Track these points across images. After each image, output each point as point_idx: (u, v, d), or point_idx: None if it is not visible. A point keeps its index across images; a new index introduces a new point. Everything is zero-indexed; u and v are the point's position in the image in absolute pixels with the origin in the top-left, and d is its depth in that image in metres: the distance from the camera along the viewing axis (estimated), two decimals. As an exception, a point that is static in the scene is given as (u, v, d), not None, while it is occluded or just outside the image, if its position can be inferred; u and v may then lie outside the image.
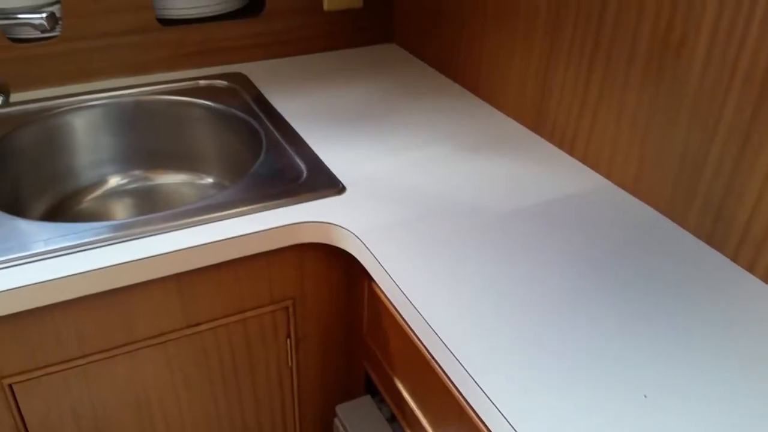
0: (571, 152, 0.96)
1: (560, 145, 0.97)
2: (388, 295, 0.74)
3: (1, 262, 0.71)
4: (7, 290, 0.69)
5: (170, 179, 1.12)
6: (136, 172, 1.11)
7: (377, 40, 1.36)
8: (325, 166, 0.92)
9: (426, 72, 1.24)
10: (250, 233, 0.79)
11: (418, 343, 0.72)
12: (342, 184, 0.88)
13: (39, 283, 0.70)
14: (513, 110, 1.06)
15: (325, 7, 1.27)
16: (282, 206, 0.83)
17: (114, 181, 1.10)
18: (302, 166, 0.91)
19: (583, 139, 0.93)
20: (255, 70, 1.21)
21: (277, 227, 0.80)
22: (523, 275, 0.73)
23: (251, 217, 0.81)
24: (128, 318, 0.79)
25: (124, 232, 0.76)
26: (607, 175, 0.90)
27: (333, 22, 1.29)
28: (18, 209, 0.97)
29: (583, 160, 0.94)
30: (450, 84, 1.19)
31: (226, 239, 0.78)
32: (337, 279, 0.91)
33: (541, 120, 1.00)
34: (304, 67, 1.24)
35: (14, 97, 1.05)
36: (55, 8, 1.07)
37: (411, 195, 0.87)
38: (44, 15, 0.85)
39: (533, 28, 0.96)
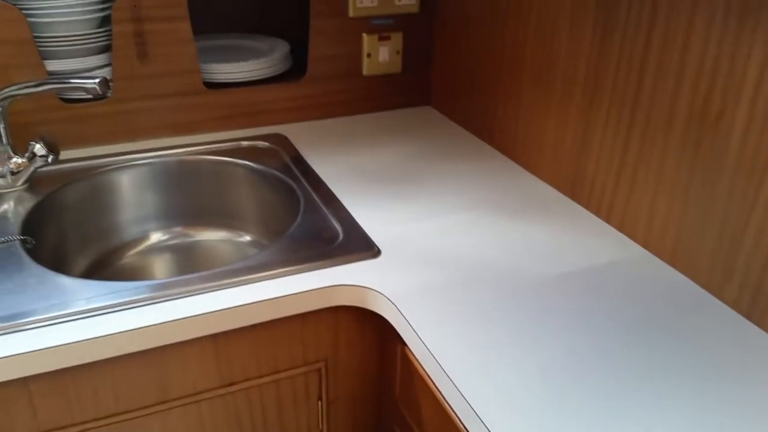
0: (608, 219, 0.95)
1: (597, 212, 0.97)
2: (422, 363, 0.74)
3: (43, 319, 0.73)
4: (49, 348, 0.70)
5: (210, 236, 1.14)
6: (177, 229, 1.14)
7: (414, 103, 1.38)
8: (361, 228, 0.93)
9: (462, 135, 1.25)
10: (286, 295, 0.80)
11: (451, 412, 0.71)
12: (377, 247, 0.89)
13: (80, 341, 0.71)
14: (549, 175, 1.06)
15: (365, 72, 1.31)
16: (318, 269, 0.84)
17: (156, 237, 1.12)
18: (338, 228, 0.93)
19: (620, 207, 0.92)
20: (295, 132, 1.24)
21: (312, 290, 0.81)
22: (558, 345, 0.72)
23: (287, 279, 0.82)
24: (164, 377, 0.80)
25: (163, 292, 0.78)
26: (644, 245, 0.90)
27: (371, 86, 1.33)
28: (61, 264, 0.99)
29: (620, 228, 0.93)
30: (485, 147, 1.20)
31: (262, 301, 0.79)
32: (370, 342, 0.91)
33: (578, 186, 1.00)
34: (343, 128, 1.27)
35: (64, 155, 1.09)
36: (105, 71, 1.12)
37: (446, 259, 0.87)
38: (97, 80, 0.89)
39: (570, 93, 0.98)
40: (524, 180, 1.09)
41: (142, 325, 0.74)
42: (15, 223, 0.92)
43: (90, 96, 1.01)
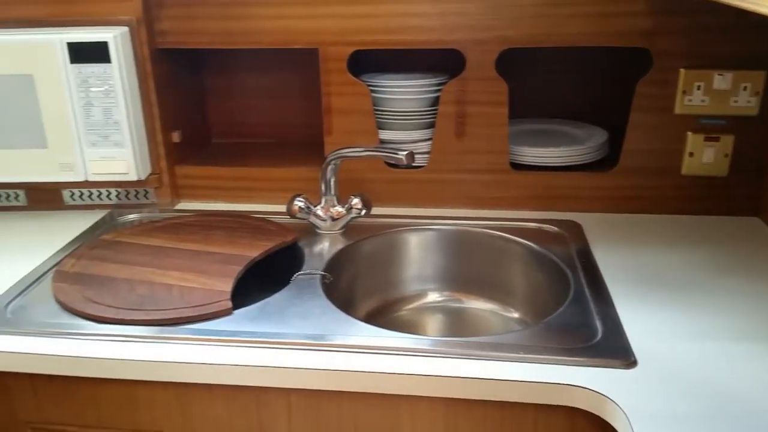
0: None
1: None
2: (643, 496, 0.66)
3: (320, 344, 0.87)
4: (310, 369, 0.83)
5: (479, 305, 1.19)
6: (451, 293, 1.21)
7: (738, 212, 1.23)
8: (624, 333, 0.87)
9: (788, 256, 1.08)
10: (520, 381, 0.80)
11: None
12: (634, 358, 0.82)
13: (332, 370, 0.83)
14: None
15: (683, 171, 1.22)
16: (563, 363, 0.82)
17: (432, 296, 1.21)
18: (599, 327, 0.89)
19: None
20: (591, 222, 1.21)
21: (548, 383, 0.79)
22: None
23: (529, 366, 0.82)
24: (396, 424, 0.86)
25: (425, 347, 0.86)
26: None
27: (689, 186, 1.23)
28: (348, 304, 1.13)
29: None
30: (814, 276, 1.01)
31: (494, 380, 0.80)
32: (606, 458, 0.84)
33: None
34: (645, 227, 1.20)
35: (376, 210, 1.25)
36: (426, 144, 1.27)
37: (709, 390, 0.76)
38: (405, 153, 1.03)
39: None
40: None
41: (392, 372, 0.82)
42: (324, 260, 1.10)
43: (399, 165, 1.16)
